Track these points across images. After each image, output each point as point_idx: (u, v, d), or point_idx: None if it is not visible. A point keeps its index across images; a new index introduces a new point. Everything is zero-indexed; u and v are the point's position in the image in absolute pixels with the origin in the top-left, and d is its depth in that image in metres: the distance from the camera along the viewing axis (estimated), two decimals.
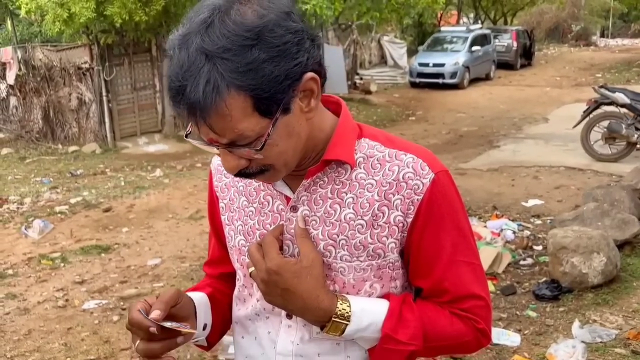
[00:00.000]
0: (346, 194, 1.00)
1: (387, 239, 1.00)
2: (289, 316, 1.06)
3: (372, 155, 1.01)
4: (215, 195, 1.16)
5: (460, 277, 1.02)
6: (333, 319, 0.97)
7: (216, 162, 1.16)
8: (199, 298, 1.14)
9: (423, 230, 0.99)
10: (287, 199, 1.04)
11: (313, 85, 0.89)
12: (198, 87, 0.82)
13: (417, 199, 0.98)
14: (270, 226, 1.05)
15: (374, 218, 0.99)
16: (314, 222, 1.01)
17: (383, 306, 1.00)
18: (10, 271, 5.01)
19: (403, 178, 0.98)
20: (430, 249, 1.01)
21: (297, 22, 0.86)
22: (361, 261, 1.00)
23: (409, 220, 0.99)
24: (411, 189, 0.98)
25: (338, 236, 1.00)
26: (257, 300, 1.09)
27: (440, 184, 0.99)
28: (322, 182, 1.01)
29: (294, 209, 1.03)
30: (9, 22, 13.33)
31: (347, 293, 1.01)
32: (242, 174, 0.94)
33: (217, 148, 0.92)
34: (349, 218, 0.99)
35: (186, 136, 0.95)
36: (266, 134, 0.87)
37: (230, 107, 0.83)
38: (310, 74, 0.88)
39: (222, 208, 1.13)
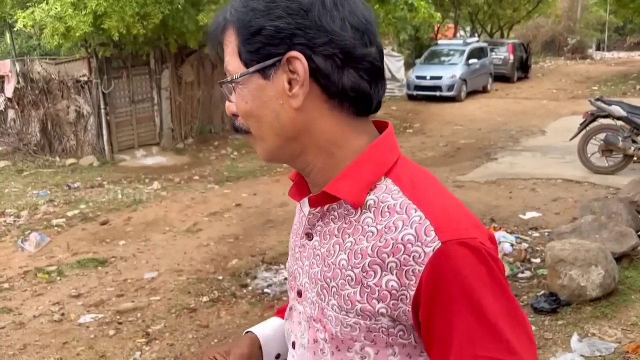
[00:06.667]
0: (348, 237, 0.89)
1: (377, 302, 0.86)
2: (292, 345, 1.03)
3: (385, 200, 0.87)
4: None
5: None
6: None
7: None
8: (271, 328, 1.13)
9: (430, 309, 0.82)
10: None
11: (298, 67, 0.84)
12: (217, 19, 0.92)
13: (419, 270, 0.81)
14: (295, 260, 1.03)
15: (364, 274, 0.86)
16: (317, 257, 0.94)
17: None
18: (5, 285, 4.98)
19: (402, 239, 0.83)
20: (440, 334, 0.83)
21: (308, 1, 0.84)
22: (349, 317, 0.89)
23: (411, 292, 0.83)
24: (409, 255, 0.82)
25: (331, 281, 0.91)
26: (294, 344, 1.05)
27: (450, 256, 0.80)
28: (333, 216, 0.92)
29: (309, 236, 0.97)
30: (7, 35, 13.38)
31: (337, 347, 0.92)
32: (234, 126, 0.95)
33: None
34: (342, 265, 0.89)
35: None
36: (232, 76, 0.89)
37: (226, 41, 0.90)
38: (295, 53, 0.83)
39: None
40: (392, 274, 0.84)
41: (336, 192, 0.88)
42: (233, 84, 0.89)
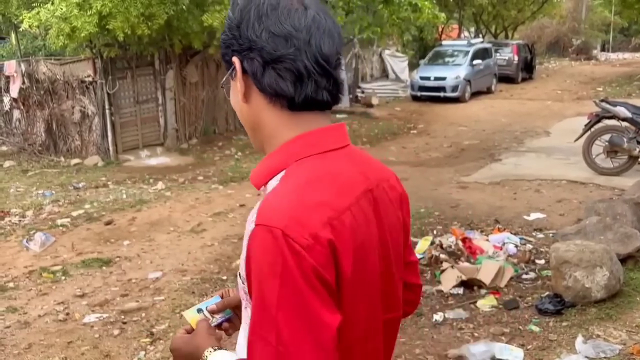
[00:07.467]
0: None
1: (243, 267, 1.01)
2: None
3: (270, 186, 1.03)
4: None
5: (252, 357, 0.93)
6: None
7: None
8: None
9: (247, 281, 0.98)
10: None
11: (237, 69, 1.03)
12: None
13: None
14: None
15: (243, 243, 1.01)
16: None
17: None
18: (11, 284, 5.00)
19: (249, 218, 1.00)
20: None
21: (238, 17, 1.02)
22: (239, 279, 1.04)
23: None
24: (248, 231, 0.98)
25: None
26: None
27: (255, 238, 0.94)
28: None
29: None
30: (13, 35, 13.44)
31: (243, 304, 1.08)
32: None
33: None
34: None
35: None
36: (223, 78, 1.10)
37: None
38: (234, 58, 1.03)
39: None
40: (246, 245, 0.98)
41: (252, 173, 1.07)
42: (224, 82, 1.11)
